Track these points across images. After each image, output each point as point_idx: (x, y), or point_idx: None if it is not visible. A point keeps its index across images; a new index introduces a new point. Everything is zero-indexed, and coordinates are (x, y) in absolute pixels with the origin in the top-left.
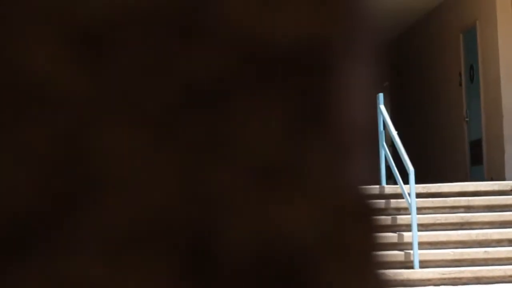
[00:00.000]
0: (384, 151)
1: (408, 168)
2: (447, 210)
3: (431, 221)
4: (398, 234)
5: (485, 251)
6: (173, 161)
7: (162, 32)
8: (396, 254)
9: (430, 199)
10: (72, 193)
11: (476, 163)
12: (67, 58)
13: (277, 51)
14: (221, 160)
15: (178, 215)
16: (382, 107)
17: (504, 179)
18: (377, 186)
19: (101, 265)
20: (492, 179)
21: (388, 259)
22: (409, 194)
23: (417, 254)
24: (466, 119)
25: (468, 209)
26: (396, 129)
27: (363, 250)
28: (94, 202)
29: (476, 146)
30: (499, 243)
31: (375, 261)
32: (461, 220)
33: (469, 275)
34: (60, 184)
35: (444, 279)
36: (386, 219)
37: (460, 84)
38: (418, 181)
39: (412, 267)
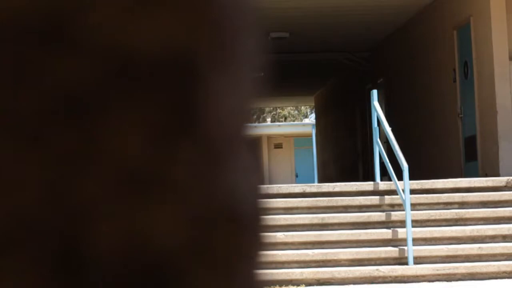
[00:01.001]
0: (378, 147)
1: (402, 164)
2: (441, 206)
3: (425, 217)
4: (392, 230)
5: (479, 247)
6: (43, 170)
7: (30, 43)
8: (390, 250)
9: (424, 195)
10: None
11: (470, 159)
12: None
13: (146, 61)
14: (90, 169)
15: (48, 222)
16: (376, 104)
17: (498, 175)
18: (371, 182)
19: None
20: (486, 175)
21: (383, 255)
22: (403, 190)
23: (412, 250)
24: (460, 115)
25: (462, 205)
26: (390, 125)
27: (233, 255)
28: None
29: (470, 142)
30: (493, 239)
31: (247, 265)
32: (455, 216)
33: (463, 271)
34: None
35: (439, 275)
36: (380, 215)
37: (454, 80)
38: (412, 177)
39: (406, 263)
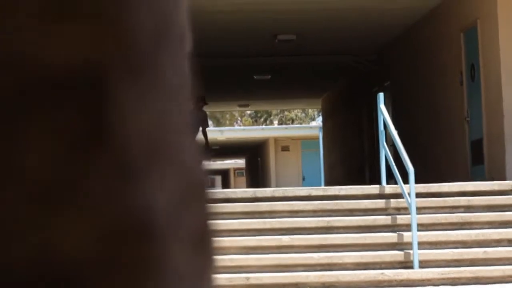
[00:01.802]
0: (385, 150)
1: (408, 167)
2: (447, 210)
3: (431, 221)
4: (398, 234)
5: (485, 251)
6: None
7: None
8: (395, 254)
9: (430, 199)
10: None
11: (477, 162)
12: None
13: (53, 74)
14: None
15: None
16: (382, 107)
17: (504, 179)
18: (377, 186)
19: None
20: (493, 179)
21: (388, 259)
22: (409, 194)
23: (417, 254)
24: (467, 119)
25: (468, 209)
26: (397, 128)
27: (143, 269)
28: None
29: (477, 145)
30: (498, 243)
31: (157, 280)
32: (461, 220)
33: (469, 275)
34: None
35: (444, 279)
36: (386, 219)
37: (461, 83)
38: (418, 180)
39: (411, 267)
